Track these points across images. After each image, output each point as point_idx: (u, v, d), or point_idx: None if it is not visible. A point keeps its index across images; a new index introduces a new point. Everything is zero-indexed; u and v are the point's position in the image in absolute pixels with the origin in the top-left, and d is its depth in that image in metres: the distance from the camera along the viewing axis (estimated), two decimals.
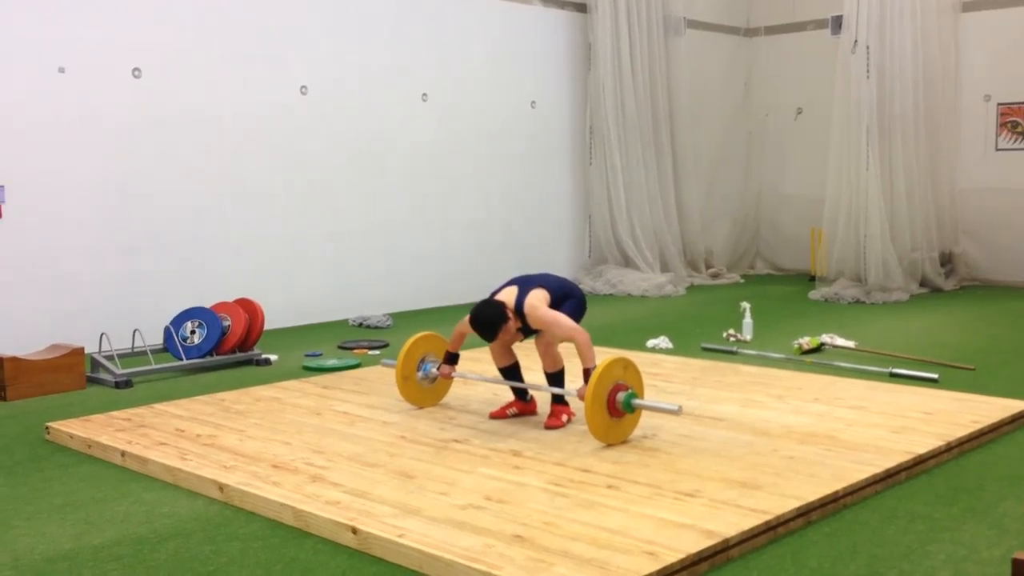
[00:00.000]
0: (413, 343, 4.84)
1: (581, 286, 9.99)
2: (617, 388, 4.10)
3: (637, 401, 4.14)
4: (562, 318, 4.34)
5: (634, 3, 10.21)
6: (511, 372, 4.67)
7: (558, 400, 4.55)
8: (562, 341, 4.48)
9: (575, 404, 4.49)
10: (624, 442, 4.17)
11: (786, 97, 11.67)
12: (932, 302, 9.07)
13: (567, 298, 4.50)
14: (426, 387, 4.91)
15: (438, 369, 4.82)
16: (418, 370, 4.86)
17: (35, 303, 6.62)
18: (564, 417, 4.50)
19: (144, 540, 3.34)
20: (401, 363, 4.80)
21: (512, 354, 4.65)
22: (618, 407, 4.10)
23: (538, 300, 4.39)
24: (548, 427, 4.44)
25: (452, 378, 4.88)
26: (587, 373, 4.16)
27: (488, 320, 4.32)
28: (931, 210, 9.87)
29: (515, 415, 4.67)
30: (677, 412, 4.11)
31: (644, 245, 10.24)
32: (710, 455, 3.97)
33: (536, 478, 3.71)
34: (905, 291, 9.32)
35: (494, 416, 4.65)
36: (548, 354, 4.47)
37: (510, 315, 4.36)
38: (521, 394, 4.72)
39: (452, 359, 4.77)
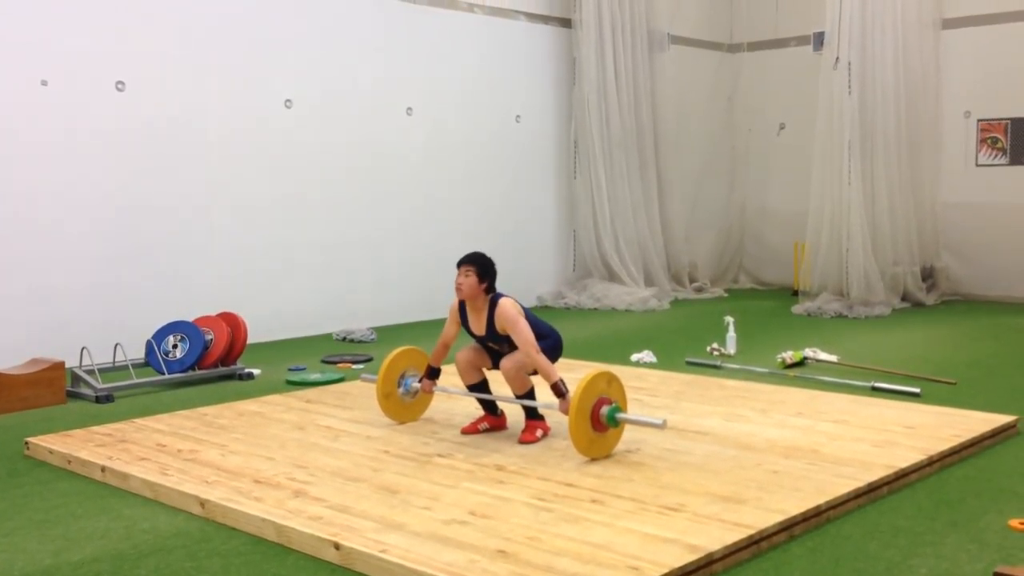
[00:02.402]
0: (392, 359, 4.82)
1: (565, 300, 10.02)
2: (601, 402, 4.10)
3: (621, 415, 4.14)
4: (526, 327, 4.30)
5: (618, 18, 10.27)
6: (480, 389, 4.65)
7: (532, 415, 4.52)
8: (521, 365, 4.37)
9: (552, 419, 4.48)
10: (607, 456, 4.17)
11: (769, 112, 11.75)
12: (914, 316, 9.13)
13: (542, 338, 4.40)
14: (408, 402, 4.89)
15: (419, 383, 4.80)
16: (399, 386, 4.84)
17: (15, 316, 6.57)
18: (539, 432, 4.48)
19: (124, 556, 3.31)
20: (381, 380, 4.79)
21: (481, 371, 4.63)
22: (602, 421, 4.10)
23: (512, 303, 4.39)
24: (523, 442, 4.41)
25: (433, 393, 4.86)
26: (556, 388, 4.17)
27: (480, 256, 4.40)
28: (912, 225, 9.95)
29: (487, 430, 4.65)
30: (661, 427, 4.11)
31: (628, 259, 10.27)
32: (694, 469, 3.97)
33: (520, 493, 3.70)
34: (887, 305, 9.38)
35: (466, 432, 4.64)
36: (516, 378, 4.41)
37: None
38: (491, 408, 4.69)
39: (434, 374, 4.76)
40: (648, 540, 3.17)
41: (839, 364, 6.51)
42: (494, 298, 4.42)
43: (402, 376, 4.85)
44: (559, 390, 4.18)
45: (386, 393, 4.80)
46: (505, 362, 4.39)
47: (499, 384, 4.72)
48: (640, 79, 10.50)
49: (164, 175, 7.30)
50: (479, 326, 4.47)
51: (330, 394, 5.68)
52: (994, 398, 5.48)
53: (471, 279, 4.40)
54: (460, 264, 4.46)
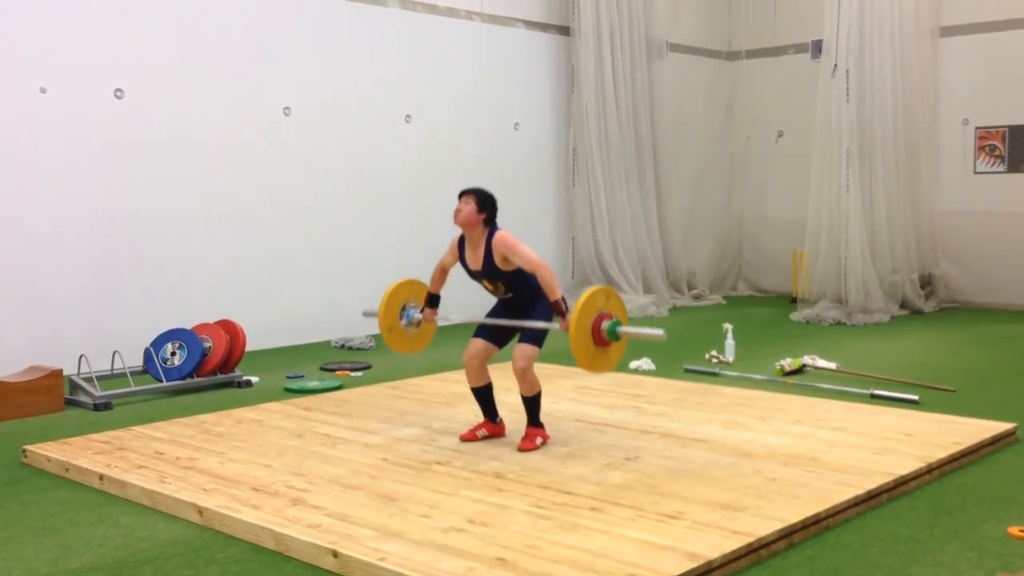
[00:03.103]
0: (392, 292, 4.78)
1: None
2: (601, 317, 4.10)
3: (622, 329, 4.13)
4: (527, 248, 4.29)
5: (617, 26, 10.29)
6: (484, 393, 4.63)
7: (533, 423, 4.51)
8: (531, 356, 4.36)
9: (552, 426, 4.47)
10: (611, 370, 4.21)
11: (767, 120, 11.77)
12: (912, 324, 9.13)
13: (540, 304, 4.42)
14: (412, 333, 4.87)
15: (420, 313, 4.79)
16: (401, 318, 4.82)
17: (13, 324, 6.56)
18: (538, 440, 4.46)
19: (122, 564, 3.30)
20: (383, 314, 4.75)
21: (487, 374, 4.61)
22: (603, 336, 4.09)
23: (510, 233, 4.36)
24: (522, 450, 4.39)
25: (435, 322, 4.83)
26: (557, 305, 4.18)
27: (482, 189, 4.41)
28: (911, 232, 9.96)
29: (485, 437, 4.65)
30: (662, 337, 4.12)
31: (627, 266, 10.27)
32: (693, 477, 3.96)
33: (519, 500, 3.69)
34: (886, 313, 9.38)
35: (464, 439, 4.63)
36: (525, 379, 4.40)
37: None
38: (491, 416, 4.68)
39: (434, 301, 4.74)
40: (647, 548, 3.16)
41: (838, 371, 6.51)
42: (492, 231, 4.40)
43: (403, 308, 4.82)
44: (560, 308, 4.17)
45: (389, 327, 4.78)
46: (517, 360, 4.36)
47: (501, 391, 4.72)
48: (639, 87, 10.52)
49: (163, 182, 7.30)
50: (476, 260, 4.43)
51: (329, 402, 5.67)
52: (993, 405, 5.47)
53: (470, 206, 4.39)
54: (461, 194, 4.47)
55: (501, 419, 4.71)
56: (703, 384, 6.09)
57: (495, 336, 4.58)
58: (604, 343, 4.13)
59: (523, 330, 4.43)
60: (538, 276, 4.24)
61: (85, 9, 6.88)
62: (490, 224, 4.43)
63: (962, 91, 10.23)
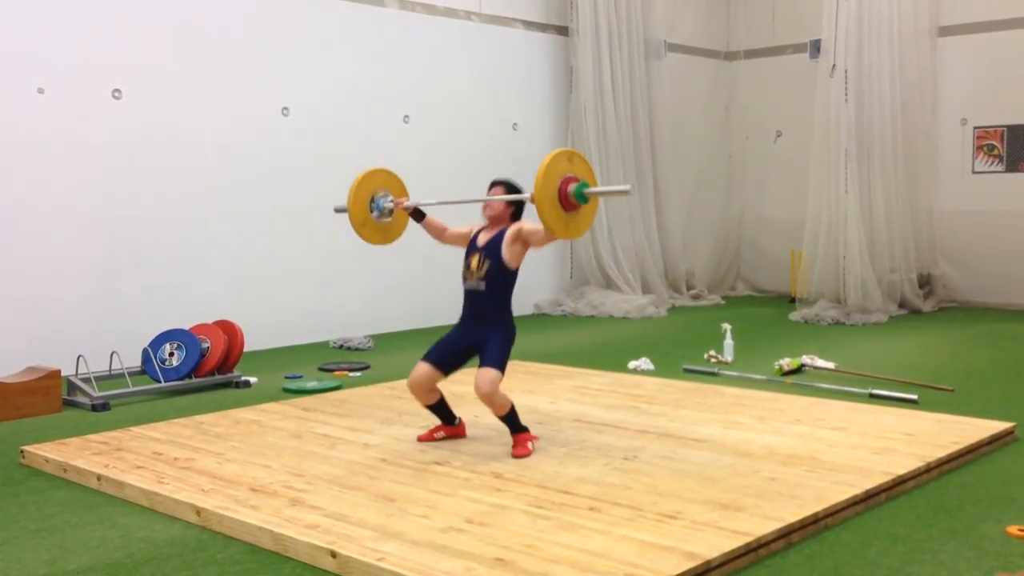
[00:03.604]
0: (359, 185, 4.71)
1: (562, 308, 10.03)
2: (567, 181, 4.08)
3: (589, 190, 4.11)
4: (539, 226, 4.23)
5: (615, 27, 10.29)
6: (436, 407, 4.58)
7: (517, 429, 4.39)
8: (494, 379, 4.22)
9: (540, 427, 4.45)
10: (583, 233, 4.22)
11: (766, 120, 11.77)
12: (911, 323, 9.14)
13: (504, 331, 4.39)
14: (386, 223, 4.83)
15: (391, 202, 4.75)
16: (371, 211, 4.77)
17: (11, 324, 6.55)
18: (529, 444, 4.39)
19: (120, 565, 3.29)
20: (353, 209, 4.69)
21: (436, 392, 4.53)
22: (571, 199, 4.08)
23: (535, 227, 4.31)
24: (516, 456, 4.30)
25: (408, 209, 4.75)
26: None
27: (511, 181, 4.48)
28: (909, 232, 9.96)
29: (443, 438, 4.62)
30: (629, 191, 4.14)
31: (626, 267, 10.27)
32: (692, 477, 3.96)
33: (517, 500, 3.69)
34: (884, 312, 9.38)
35: (422, 439, 4.62)
36: (494, 403, 4.26)
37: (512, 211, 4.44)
38: (447, 419, 4.64)
39: (419, 215, 4.72)
40: (646, 548, 3.16)
41: (837, 371, 6.51)
42: (515, 221, 4.43)
43: (372, 200, 4.77)
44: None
45: (361, 222, 4.74)
46: (481, 386, 4.20)
47: (457, 399, 4.71)
48: (637, 87, 10.52)
49: (161, 183, 7.30)
50: (486, 238, 4.43)
51: (327, 402, 5.67)
52: (992, 405, 5.47)
53: (503, 213, 4.44)
54: (493, 185, 4.49)
55: (460, 420, 4.68)
56: (702, 384, 6.09)
57: (443, 360, 4.44)
58: (573, 207, 4.09)
59: (483, 354, 4.31)
60: (545, 232, 4.20)
61: (83, 9, 6.87)
62: (516, 216, 4.49)
63: (960, 91, 10.24)
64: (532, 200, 4.10)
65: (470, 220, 4.72)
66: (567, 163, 4.11)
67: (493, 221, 4.47)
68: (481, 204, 4.48)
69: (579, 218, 4.16)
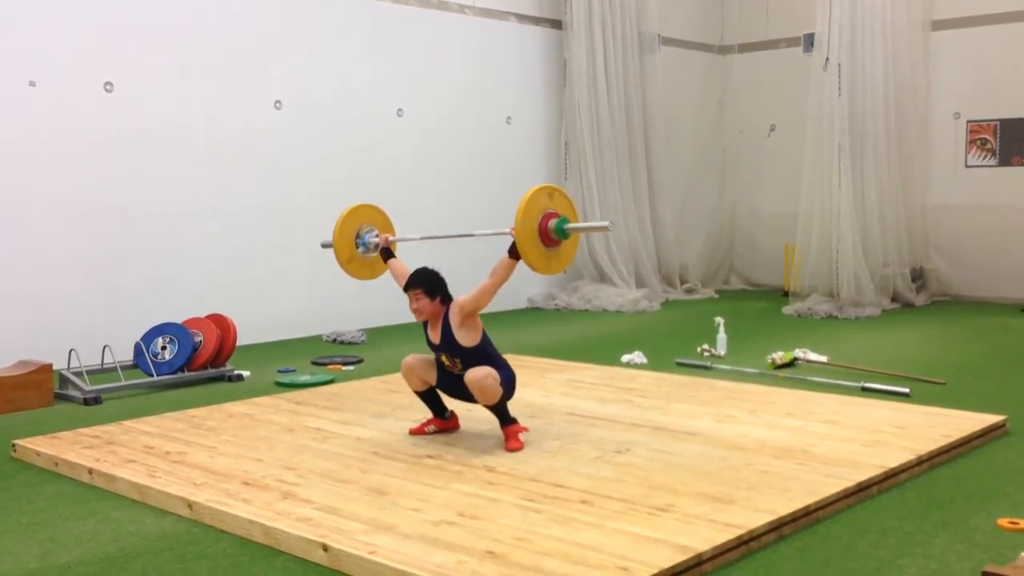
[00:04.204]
0: (343, 222, 4.76)
1: (555, 302, 10.02)
2: (547, 217, 4.06)
3: (570, 226, 4.11)
4: (478, 289, 4.21)
5: (609, 20, 10.28)
6: (427, 394, 4.58)
7: (506, 421, 4.37)
8: (488, 371, 4.21)
9: (530, 422, 4.45)
10: (564, 271, 4.28)
11: (759, 114, 11.77)
12: (904, 317, 9.16)
13: (499, 368, 4.31)
14: (371, 258, 4.89)
15: (377, 238, 4.80)
16: (357, 247, 4.80)
17: (2, 318, 6.53)
18: (521, 436, 4.37)
19: (111, 559, 3.29)
20: (339, 246, 4.77)
21: (425, 382, 4.53)
22: (551, 236, 4.06)
23: (465, 297, 4.26)
24: (510, 450, 4.28)
25: (393, 243, 4.84)
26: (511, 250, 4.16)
27: (422, 276, 4.31)
28: (902, 226, 9.98)
29: (434, 432, 4.62)
30: (609, 228, 4.18)
31: (619, 260, 10.27)
32: (684, 470, 3.96)
33: (509, 494, 3.69)
34: (877, 306, 9.40)
35: (413, 433, 4.62)
36: (484, 391, 4.23)
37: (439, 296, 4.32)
38: (438, 410, 4.64)
39: (388, 254, 4.81)
40: (637, 541, 3.16)
41: (829, 365, 6.52)
42: (447, 306, 4.34)
43: (357, 235, 4.80)
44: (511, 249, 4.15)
45: (347, 258, 4.81)
46: (473, 372, 4.20)
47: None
48: (631, 81, 10.52)
49: (153, 176, 7.27)
50: (435, 334, 4.38)
51: (320, 396, 5.66)
52: (983, 398, 5.49)
53: (424, 301, 4.31)
54: (406, 289, 4.36)
55: (452, 412, 4.67)
56: (695, 378, 6.10)
57: (441, 369, 4.45)
58: (553, 242, 4.08)
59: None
60: (491, 283, 4.18)
61: (75, 2, 6.84)
62: (446, 301, 4.35)
63: (954, 85, 10.24)
64: (512, 234, 4.08)
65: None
66: (547, 199, 4.11)
67: (431, 318, 4.37)
68: (412, 312, 4.35)
69: (560, 254, 4.16)
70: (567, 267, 4.21)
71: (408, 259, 4.80)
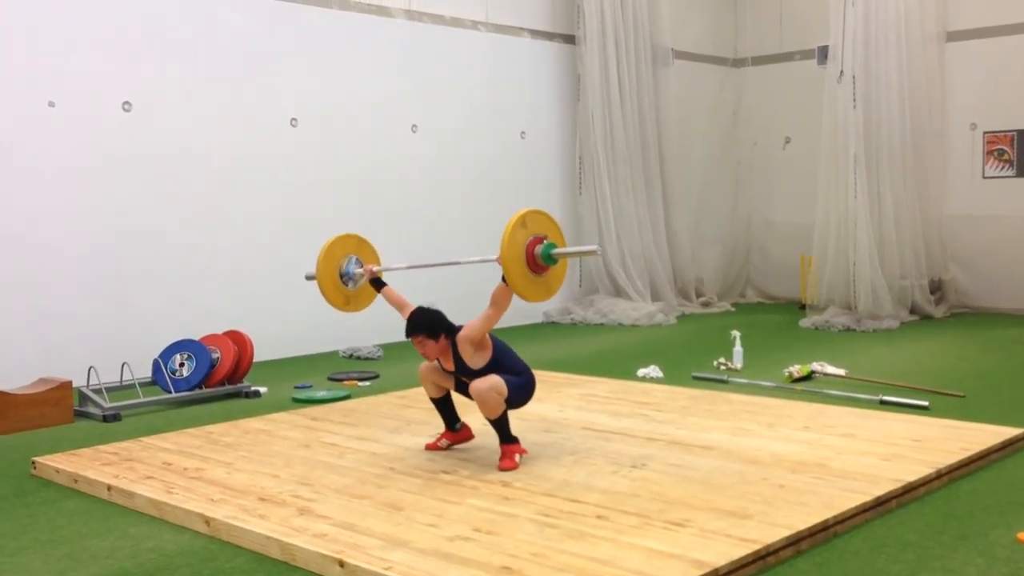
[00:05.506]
0: (323, 263, 4.73)
1: (571, 316, 10.01)
2: (534, 242, 4.01)
3: (557, 251, 4.05)
4: (477, 318, 4.20)
5: (622, 34, 10.30)
6: (441, 401, 4.59)
7: (506, 440, 4.35)
8: (493, 384, 4.20)
9: (529, 440, 4.45)
10: (550, 297, 4.16)
11: (774, 126, 11.75)
12: (922, 329, 9.10)
13: (516, 374, 4.31)
14: (359, 289, 4.88)
15: (361, 269, 4.78)
16: (346, 283, 4.79)
17: (22, 336, 6.59)
18: (517, 457, 4.33)
19: (129, 575, 3.30)
20: (330, 293, 4.77)
21: (442, 388, 4.56)
22: (539, 261, 4.02)
23: (471, 329, 4.24)
24: (502, 469, 4.24)
25: (379, 272, 4.84)
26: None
27: (419, 320, 4.28)
28: (919, 237, 9.92)
29: (448, 446, 4.63)
30: (597, 252, 4.12)
31: (635, 274, 10.26)
32: (700, 484, 3.95)
33: (525, 509, 3.69)
34: (895, 318, 9.34)
35: (429, 448, 4.64)
36: (488, 398, 4.21)
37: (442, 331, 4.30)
38: (450, 420, 4.65)
39: (378, 283, 4.81)
40: (653, 556, 3.15)
41: (847, 378, 6.49)
42: (454, 337, 4.34)
43: (341, 271, 4.80)
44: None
45: (346, 299, 4.81)
46: (477, 383, 4.22)
47: (466, 405, 4.71)
48: (644, 94, 10.53)
49: (170, 194, 7.33)
50: (448, 363, 4.41)
51: (336, 411, 5.68)
52: (1003, 411, 5.44)
53: (429, 344, 4.32)
54: (408, 336, 4.35)
55: (463, 424, 4.67)
56: (711, 391, 6.08)
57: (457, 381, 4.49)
58: (541, 268, 4.03)
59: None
60: (494, 312, 4.16)
61: (93, 23, 6.92)
62: (451, 335, 4.35)
63: (969, 96, 10.20)
64: (499, 262, 4.05)
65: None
66: (522, 229, 4.01)
67: (440, 355, 4.39)
68: (423, 355, 4.37)
69: (547, 280, 4.11)
70: (555, 293, 4.14)
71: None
